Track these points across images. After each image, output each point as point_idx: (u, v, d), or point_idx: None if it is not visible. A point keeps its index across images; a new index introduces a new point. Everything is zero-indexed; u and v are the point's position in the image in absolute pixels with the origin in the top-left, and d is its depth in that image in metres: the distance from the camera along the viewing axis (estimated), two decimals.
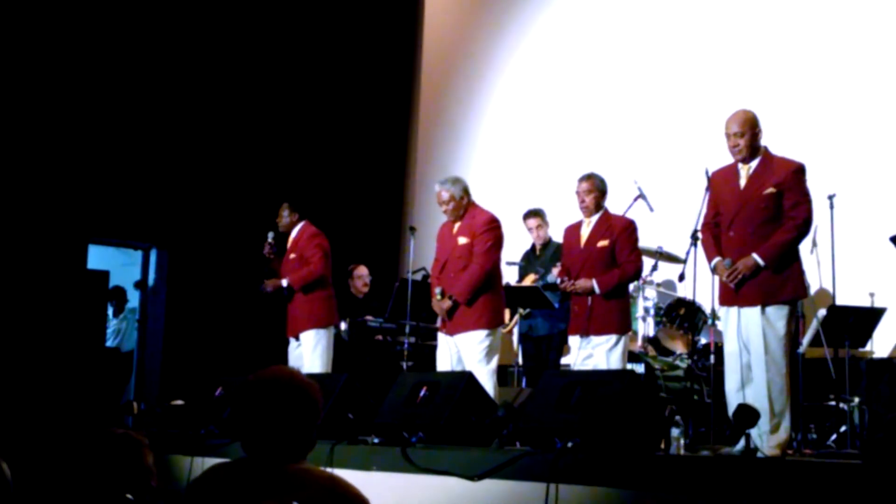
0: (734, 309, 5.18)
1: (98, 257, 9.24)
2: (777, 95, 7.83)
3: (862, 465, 3.60)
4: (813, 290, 6.96)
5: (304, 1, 10.25)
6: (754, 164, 5.24)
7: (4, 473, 2.72)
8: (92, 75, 8.80)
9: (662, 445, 4.79)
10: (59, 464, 2.68)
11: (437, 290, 6.27)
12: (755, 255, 5.10)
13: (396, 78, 10.90)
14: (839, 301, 6.68)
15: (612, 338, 5.98)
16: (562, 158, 9.14)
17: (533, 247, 8.04)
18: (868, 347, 6.69)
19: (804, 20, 8.11)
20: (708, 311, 6.56)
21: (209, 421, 5.97)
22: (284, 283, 7.23)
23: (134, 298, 9.94)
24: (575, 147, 9.15)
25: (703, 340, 6.82)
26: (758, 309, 5.08)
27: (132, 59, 9.08)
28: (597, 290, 6.00)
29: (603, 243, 6.09)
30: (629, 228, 6.17)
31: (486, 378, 5.94)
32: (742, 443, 4.70)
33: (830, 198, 6.59)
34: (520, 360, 7.95)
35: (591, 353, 6.00)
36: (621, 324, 6.03)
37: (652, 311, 7.37)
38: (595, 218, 6.17)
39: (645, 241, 6.65)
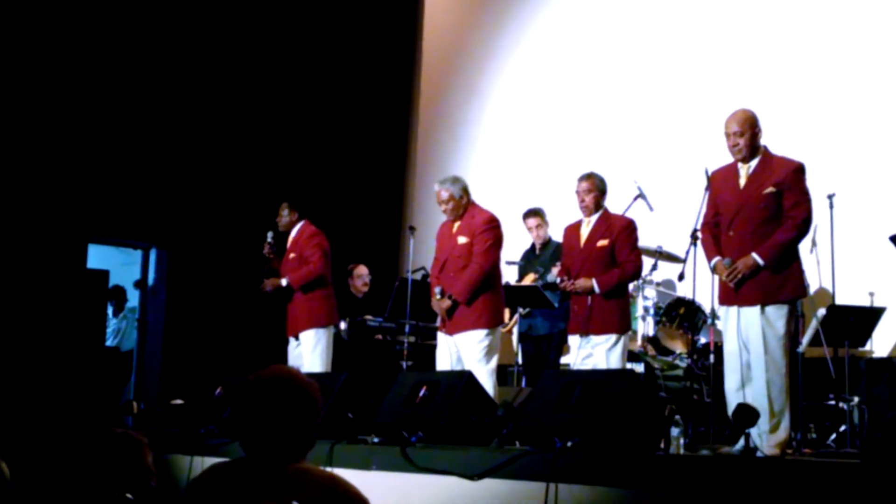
0: (734, 308, 5.18)
1: (98, 257, 9.25)
2: (777, 95, 7.83)
3: (861, 465, 3.60)
4: (812, 289, 6.96)
5: (304, 1, 10.25)
6: (754, 163, 5.24)
7: (3, 473, 2.72)
8: (92, 75, 8.80)
9: (662, 445, 4.79)
10: (58, 463, 2.68)
11: (437, 289, 6.27)
12: (755, 255, 5.10)
13: (396, 78, 10.90)
14: (839, 300, 6.69)
15: (612, 337, 5.98)
16: (562, 158, 9.14)
17: (532, 246, 8.04)
18: (867, 347, 6.69)
19: (804, 20, 8.11)
20: (707, 310, 6.56)
21: (209, 420, 5.97)
22: (284, 282, 7.23)
23: (134, 298, 9.94)
24: (575, 147, 9.15)
25: (702, 340, 6.82)
26: (757, 308, 5.08)
27: (132, 59, 9.08)
28: (596, 289, 6.00)
29: (603, 243, 6.09)
30: (629, 228, 6.17)
31: (486, 377, 5.94)
32: (742, 442, 4.70)
33: (830, 197, 6.59)
34: (519, 360, 7.95)
35: (591, 352, 6.00)
36: (621, 323, 6.03)
37: (652, 311, 7.37)
38: (595, 217, 6.17)
39: (645, 240, 6.66)
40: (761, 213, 5.16)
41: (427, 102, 10.89)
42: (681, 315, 6.87)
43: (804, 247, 5.54)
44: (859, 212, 7.22)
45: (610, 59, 9.27)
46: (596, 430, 4.41)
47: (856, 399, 6.34)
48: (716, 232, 5.37)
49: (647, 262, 7.20)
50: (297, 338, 7.24)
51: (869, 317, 6.52)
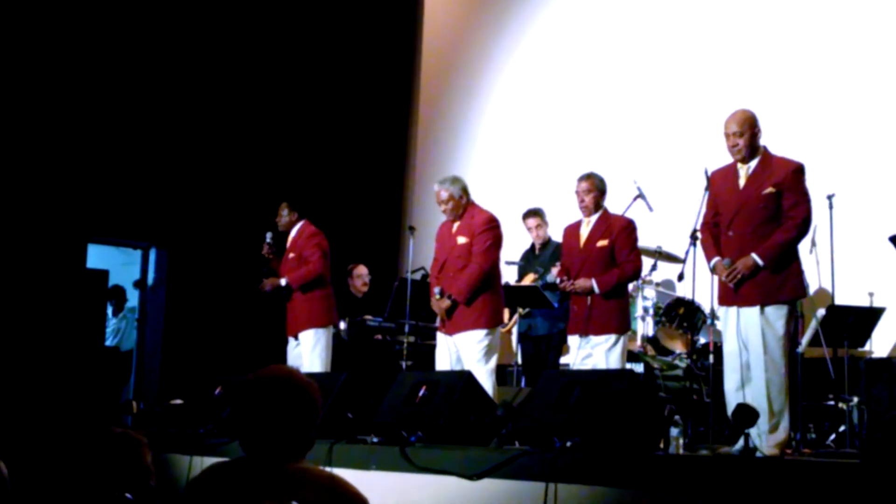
0: (733, 309, 5.18)
1: (97, 256, 9.25)
2: (777, 95, 7.83)
3: (860, 465, 3.60)
4: (812, 289, 6.96)
5: (304, 1, 10.25)
6: (753, 163, 5.24)
7: (3, 473, 2.72)
8: (92, 75, 8.80)
9: (661, 445, 4.79)
10: (58, 463, 2.68)
11: (437, 289, 6.27)
12: (754, 255, 5.10)
13: (396, 77, 10.90)
14: (838, 301, 6.69)
15: (612, 337, 5.98)
16: (561, 158, 9.14)
17: (532, 246, 8.04)
18: (867, 347, 6.69)
19: (804, 20, 8.11)
20: (707, 310, 6.57)
21: (208, 420, 5.97)
22: (283, 282, 7.23)
23: (133, 298, 9.94)
24: (574, 147, 9.15)
25: (702, 340, 6.82)
26: (757, 309, 5.08)
27: (132, 59, 9.08)
28: (596, 289, 6.00)
29: (602, 243, 6.09)
30: (628, 228, 6.17)
31: (485, 377, 5.94)
32: (741, 442, 4.70)
33: (830, 198, 6.59)
34: (519, 360, 7.96)
35: (591, 352, 6.00)
36: (620, 323, 6.03)
37: (651, 311, 7.37)
38: (594, 218, 6.17)
39: (644, 240, 6.66)
40: (761, 214, 5.16)
41: (427, 102, 10.89)
42: (680, 315, 6.87)
43: (804, 247, 5.54)
44: (859, 212, 7.22)
45: (610, 59, 9.27)
46: (595, 430, 4.41)
47: (855, 399, 6.34)
48: (715, 232, 5.37)
49: (647, 262, 7.20)
50: (296, 338, 7.24)
51: (868, 317, 6.52)
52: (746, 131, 5.20)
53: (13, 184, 8.32)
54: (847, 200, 6.91)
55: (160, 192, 9.19)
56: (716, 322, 6.27)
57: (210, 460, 4.86)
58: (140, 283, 9.55)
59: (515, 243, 7.97)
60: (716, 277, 5.39)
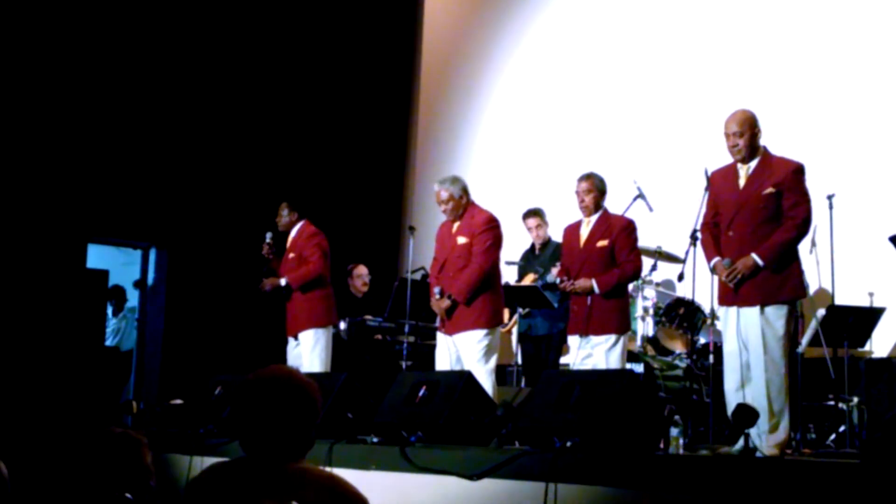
0: (733, 309, 5.18)
1: (97, 256, 9.25)
2: (777, 95, 7.83)
3: (860, 465, 3.61)
4: (812, 289, 6.96)
5: (304, 1, 10.25)
6: (753, 164, 5.24)
7: (3, 473, 2.72)
8: (92, 75, 8.80)
9: (661, 445, 4.80)
10: (58, 463, 2.68)
11: (436, 289, 6.27)
12: (754, 255, 5.10)
13: (396, 78, 10.90)
14: (838, 301, 6.69)
15: (612, 337, 5.98)
16: (561, 158, 9.14)
17: (532, 246, 8.04)
18: (867, 347, 6.69)
19: (804, 20, 8.11)
20: (707, 310, 6.56)
21: (208, 420, 5.97)
22: (283, 282, 7.23)
23: (133, 298, 9.94)
24: (574, 147, 9.15)
25: (702, 340, 6.82)
26: (757, 309, 5.08)
27: (132, 58, 9.08)
28: (596, 289, 6.00)
29: (602, 243, 6.09)
30: (628, 228, 6.17)
31: (485, 377, 5.94)
32: (741, 442, 4.70)
33: (830, 198, 6.59)
34: (519, 360, 7.95)
35: (591, 352, 6.00)
36: (620, 323, 6.03)
37: (651, 311, 7.38)
38: (594, 218, 6.17)
39: (644, 240, 6.66)
40: (761, 214, 5.16)
41: (427, 102, 10.89)
42: (680, 315, 6.87)
43: (804, 247, 5.54)
44: (859, 212, 7.22)
45: (610, 59, 9.27)
46: (595, 430, 4.41)
47: (855, 399, 6.34)
48: (715, 232, 5.37)
49: (647, 262, 7.20)
50: (296, 337, 7.24)
51: (868, 317, 6.52)
52: (746, 131, 5.20)
53: (13, 184, 8.32)
54: (847, 200, 6.91)
55: (160, 192, 9.19)
56: (716, 322, 6.27)
57: (210, 460, 4.86)
58: (140, 283, 9.55)
59: (515, 243, 7.97)
60: (716, 277, 5.39)
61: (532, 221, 7.90)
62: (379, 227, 10.34)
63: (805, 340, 6.45)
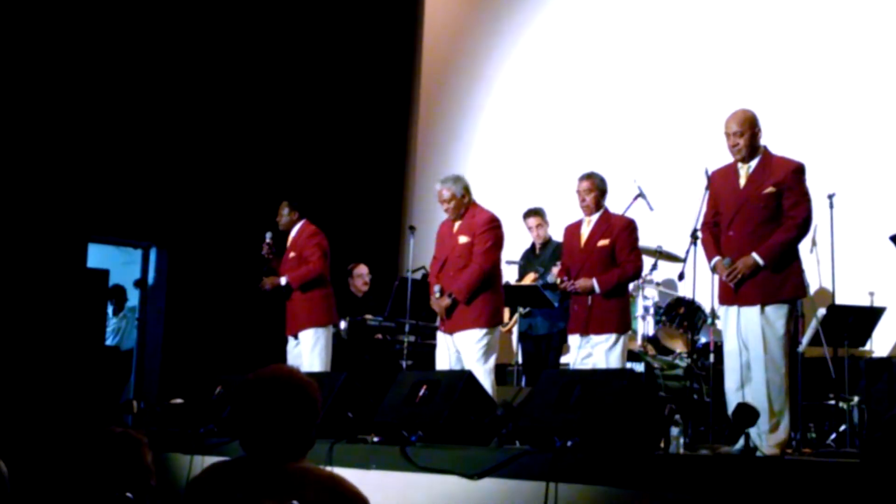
0: (734, 308, 5.18)
1: (98, 256, 9.24)
2: (777, 95, 7.83)
3: (861, 465, 3.60)
4: (812, 289, 6.96)
5: (304, 1, 10.25)
6: (754, 163, 5.24)
7: (3, 473, 2.72)
8: (92, 75, 8.80)
9: (662, 445, 4.79)
10: (58, 463, 2.68)
11: (437, 287, 6.28)
12: (755, 255, 5.10)
13: (396, 78, 10.90)
14: (839, 300, 6.68)
15: (612, 337, 5.98)
16: (562, 158, 9.14)
17: (533, 246, 8.04)
18: (867, 347, 6.69)
19: (804, 20, 8.11)
20: (707, 310, 6.56)
21: (208, 420, 5.97)
22: (283, 281, 7.23)
23: (133, 297, 9.94)
24: (575, 146, 9.14)
25: (702, 340, 6.82)
26: (757, 308, 5.09)
27: (132, 58, 9.07)
28: (597, 289, 6.00)
29: (603, 242, 6.09)
30: (629, 228, 6.17)
31: (484, 377, 5.94)
32: (741, 442, 4.71)
33: (830, 197, 6.60)
34: (519, 359, 7.95)
35: (591, 352, 6.00)
36: (621, 323, 6.03)
37: (651, 311, 7.37)
38: (595, 217, 6.17)
39: (645, 240, 6.65)
40: (761, 213, 5.16)
41: (427, 101, 10.89)
42: (681, 315, 6.87)
43: (804, 247, 5.54)
44: (859, 212, 7.22)
45: (610, 59, 9.27)
46: (596, 430, 4.41)
47: (855, 399, 6.34)
48: (716, 232, 5.37)
49: (647, 261, 7.20)
50: (296, 337, 7.24)
51: (869, 317, 6.52)
52: (747, 131, 5.20)
53: (13, 183, 8.31)
54: (847, 200, 6.91)
55: (160, 191, 9.19)
56: (716, 322, 6.27)
57: (210, 460, 4.86)
58: (140, 283, 9.55)
59: (516, 243, 7.96)
60: (716, 277, 5.39)
61: (532, 221, 7.90)
62: (379, 226, 10.34)
63: (805, 340, 6.44)
